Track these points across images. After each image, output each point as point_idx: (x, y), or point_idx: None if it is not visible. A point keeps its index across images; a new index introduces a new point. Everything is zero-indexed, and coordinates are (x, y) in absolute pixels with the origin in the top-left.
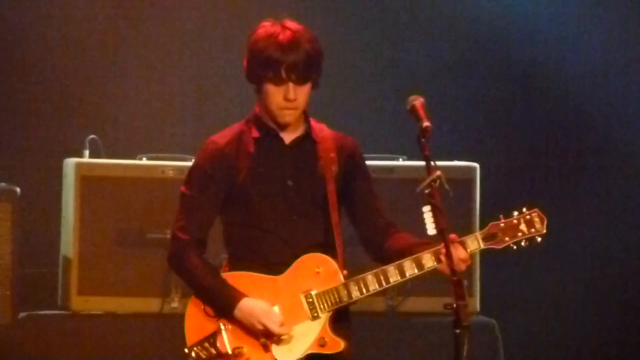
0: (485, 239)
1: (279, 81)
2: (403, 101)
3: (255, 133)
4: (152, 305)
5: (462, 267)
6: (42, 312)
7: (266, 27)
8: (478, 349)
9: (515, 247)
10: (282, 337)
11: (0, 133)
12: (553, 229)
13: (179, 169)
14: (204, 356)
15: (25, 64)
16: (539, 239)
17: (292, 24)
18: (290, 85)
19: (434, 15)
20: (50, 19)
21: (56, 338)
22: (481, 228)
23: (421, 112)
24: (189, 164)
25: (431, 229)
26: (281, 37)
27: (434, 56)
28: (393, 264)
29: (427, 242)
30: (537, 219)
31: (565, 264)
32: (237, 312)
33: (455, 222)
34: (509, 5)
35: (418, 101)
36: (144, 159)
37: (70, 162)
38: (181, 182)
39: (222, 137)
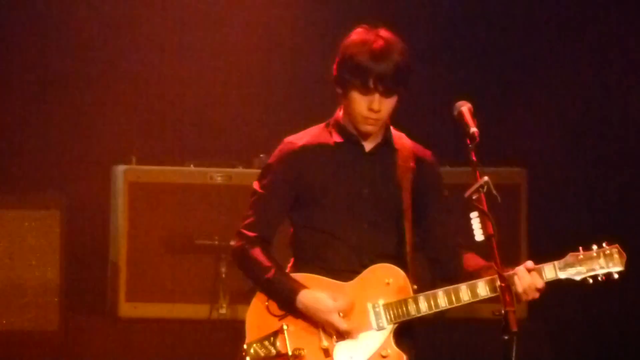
0: (562, 269)
1: (365, 90)
2: (451, 106)
3: (336, 137)
4: (200, 311)
5: (536, 295)
6: (91, 318)
7: (360, 33)
8: (527, 354)
9: (592, 282)
10: (345, 339)
11: (49, 141)
12: (603, 234)
13: (227, 175)
14: (262, 354)
15: (75, 73)
16: (616, 276)
17: (385, 33)
18: (377, 96)
19: (478, 20)
20: (100, 29)
21: (104, 344)
22: (529, 234)
23: (468, 118)
24: (237, 170)
25: (479, 235)
26: (374, 45)
27: (482, 61)
28: (466, 283)
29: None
30: (616, 255)
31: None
32: (299, 304)
33: (503, 228)
34: (553, 10)
35: (465, 107)
36: (192, 165)
37: (119, 169)
38: (229, 188)
39: (299, 138)
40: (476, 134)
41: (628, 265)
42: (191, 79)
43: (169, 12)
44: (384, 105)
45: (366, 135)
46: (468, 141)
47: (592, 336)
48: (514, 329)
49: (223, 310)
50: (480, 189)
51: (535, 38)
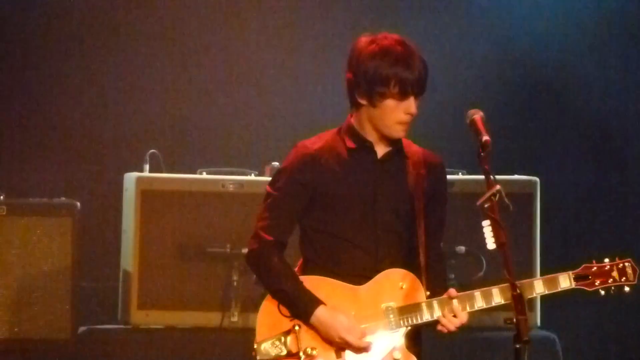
0: (576, 279)
1: (403, 96)
2: (463, 115)
3: (349, 143)
4: (212, 319)
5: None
6: (102, 327)
7: (373, 42)
8: None
9: (603, 293)
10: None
11: (61, 148)
12: (615, 244)
13: (239, 183)
14: (273, 353)
15: (87, 80)
16: (628, 289)
17: (397, 37)
18: (412, 99)
19: (492, 29)
20: (110, 36)
21: (116, 352)
22: (542, 243)
23: (481, 126)
24: (249, 178)
25: (491, 244)
26: (398, 52)
27: (495, 68)
28: (480, 290)
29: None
30: (629, 269)
31: None
32: (314, 319)
33: (515, 237)
34: (568, 17)
35: (478, 115)
36: (204, 173)
37: (131, 177)
38: (241, 196)
39: (313, 142)
40: (488, 142)
41: None
42: (203, 88)
43: (182, 21)
44: (417, 106)
45: (383, 140)
46: (480, 149)
47: (604, 345)
48: (526, 337)
49: (235, 318)
50: (493, 198)
51: (549, 46)
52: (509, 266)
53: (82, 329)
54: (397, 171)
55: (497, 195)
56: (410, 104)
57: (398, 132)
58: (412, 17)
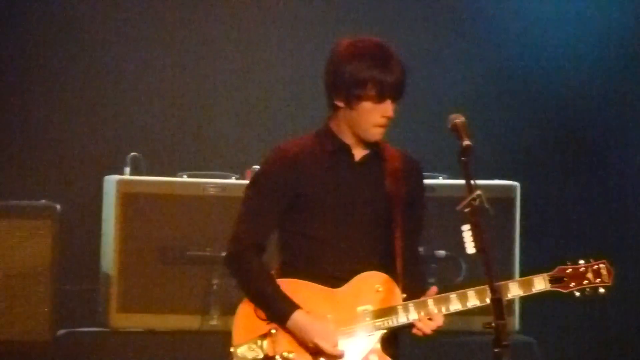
0: (551, 281)
1: (379, 99)
2: (444, 119)
3: (327, 146)
4: (191, 322)
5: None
6: (82, 329)
7: (352, 45)
8: None
9: (578, 295)
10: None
11: (41, 151)
12: (594, 250)
13: (220, 187)
14: (249, 357)
15: (67, 82)
16: (603, 290)
17: (376, 40)
18: (389, 102)
19: (475, 35)
20: (90, 35)
21: (95, 355)
22: (521, 248)
23: (462, 131)
24: (230, 181)
25: (471, 248)
26: (377, 54)
27: (476, 74)
28: (456, 292)
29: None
30: (604, 271)
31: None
32: (290, 323)
33: (495, 242)
34: (553, 24)
35: (459, 119)
36: (185, 176)
37: (111, 179)
38: (222, 200)
39: (292, 145)
40: (469, 147)
41: (619, 279)
42: (184, 91)
43: (161, 24)
44: (394, 110)
45: (362, 143)
46: (461, 154)
47: (583, 350)
48: (505, 342)
49: (214, 322)
50: (473, 202)
51: (530, 52)
52: (490, 270)
53: (61, 331)
54: (374, 174)
55: (478, 200)
56: (387, 107)
57: (375, 135)
58: (399, 21)
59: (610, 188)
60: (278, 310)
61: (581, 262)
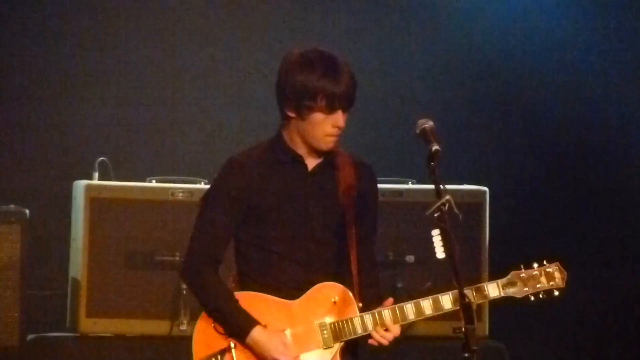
0: (505, 287)
1: (330, 110)
2: (413, 124)
3: (280, 157)
4: (161, 327)
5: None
6: (51, 334)
7: (302, 56)
8: None
9: (533, 299)
10: None
11: (10, 155)
12: (561, 253)
13: (189, 192)
14: None
15: (34, 86)
16: (557, 293)
17: (326, 50)
18: (340, 113)
19: (443, 40)
20: (58, 40)
21: None
22: (490, 252)
23: (431, 136)
24: (199, 186)
25: (440, 253)
26: (327, 66)
27: (443, 79)
28: (411, 302)
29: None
30: (557, 273)
31: (577, 288)
32: (249, 340)
33: (464, 246)
34: (521, 29)
35: (428, 124)
36: (154, 181)
37: (80, 184)
38: (191, 205)
39: (245, 157)
40: (438, 152)
41: (591, 283)
42: (153, 96)
43: (129, 29)
44: (345, 120)
45: (315, 153)
46: (430, 159)
47: (553, 356)
48: (474, 346)
49: (184, 327)
50: (442, 207)
51: (499, 54)
52: (458, 275)
53: (30, 336)
54: (327, 183)
55: (447, 205)
56: (338, 118)
57: (327, 144)
58: (366, 24)
59: (581, 191)
60: (236, 327)
61: (535, 265)
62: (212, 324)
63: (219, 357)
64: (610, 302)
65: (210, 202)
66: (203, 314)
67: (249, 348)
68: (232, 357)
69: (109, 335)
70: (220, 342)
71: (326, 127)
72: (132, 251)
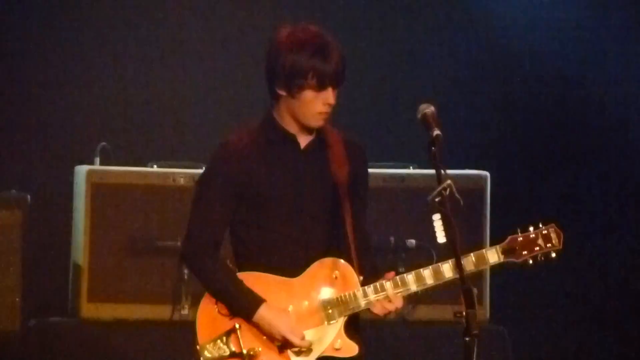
0: (504, 253)
1: (321, 88)
2: (414, 109)
3: (272, 136)
4: (162, 312)
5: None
6: (52, 319)
7: (291, 34)
8: (488, 357)
9: (531, 262)
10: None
11: (11, 140)
12: (564, 237)
13: (190, 176)
14: (216, 355)
15: (36, 72)
16: (554, 255)
17: (314, 28)
18: (330, 90)
19: (447, 25)
20: (60, 26)
21: (66, 345)
22: (491, 237)
23: (432, 121)
24: (200, 171)
25: (441, 238)
26: (316, 43)
27: (446, 64)
28: (411, 272)
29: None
30: (553, 234)
31: (576, 272)
32: (257, 318)
33: (465, 231)
34: (524, 12)
35: (429, 109)
36: (155, 166)
37: (81, 170)
38: (192, 190)
39: (238, 138)
40: (439, 137)
41: (589, 266)
42: (154, 81)
43: (132, 12)
44: (335, 97)
45: (306, 131)
46: (431, 144)
47: (554, 340)
48: (475, 331)
49: (185, 312)
50: (443, 192)
51: (501, 39)
52: (459, 260)
53: (31, 321)
54: (320, 161)
55: (448, 190)
56: (329, 95)
57: (317, 121)
58: (367, 10)
59: (582, 177)
60: (243, 306)
61: (531, 229)
62: (215, 306)
63: (224, 338)
64: (612, 286)
65: (206, 185)
66: (205, 297)
67: (256, 327)
68: (238, 337)
69: (110, 320)
70: (225, 323)
71: (317, 104)
72: (134, 236)
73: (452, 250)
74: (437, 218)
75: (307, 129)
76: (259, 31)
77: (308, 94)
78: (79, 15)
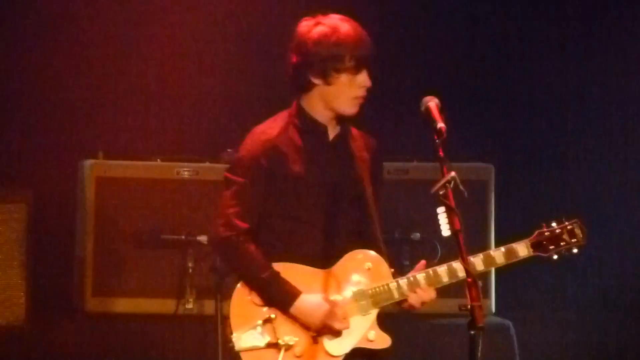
0: (533, 247)
1: (357, 70)
2: (418, 101)
3: (302, 126)
4: (166, 306)
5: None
6: (57, 314)
7: (321, 23)
8: (493, 350)
9: (556, 257)
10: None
11: (16, 135)
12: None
13: (194, 170)
14: (251, 344)
15: (41, 66)
16: (575, 250)
17: (338, 15)
18: (365, 72)
19: (450, 15)
20: (65, 21)
21: (70, 339)
22: (496, 229)
23: (436, 113)
24: (204, 164)
25: (445, 230)
26: (347, 29)
27: (449, 56)
28: (444, 265)
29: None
30: (578, 230)
31: (581, 265)
32: (294, 310)
33: (470, 224)
34: (530, 6)
35: (433, 102)
36: (159, 160)
37: (86, 163)
38: (196, 183)
39: (270, 127)
40: (443, 130)
41: (595, 260)
42: (158, 74)
43: (133, 6)
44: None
45: (340, 122)
46: (435, 137)
47: (559, 333)
48: (481, 324)
49: (190, 305)
50: (447, 185)
51: (505, 35)
52: (463, 253)
53: (36, 315)
54: (347, 153)
55: (452, 182)
56: (365, 77)
57: (354, 107)
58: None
59: (586, 169)
60: (280, 297)
61: (554, 224)
62: (249, 296)
63: (259, 328)
64: (618, 278)
65: (240, 173)
66: (238, 287)
67: (293, 317)
68: (273, 327)
69: (115, 314)
70: (260, 313)
71: (354, 88)
72: (138, 230)
73: (457, 244)
74: (441, 211)
75: (339, 119)
76: (262, 27)
77: (345, 78)
78: (82, 13)
